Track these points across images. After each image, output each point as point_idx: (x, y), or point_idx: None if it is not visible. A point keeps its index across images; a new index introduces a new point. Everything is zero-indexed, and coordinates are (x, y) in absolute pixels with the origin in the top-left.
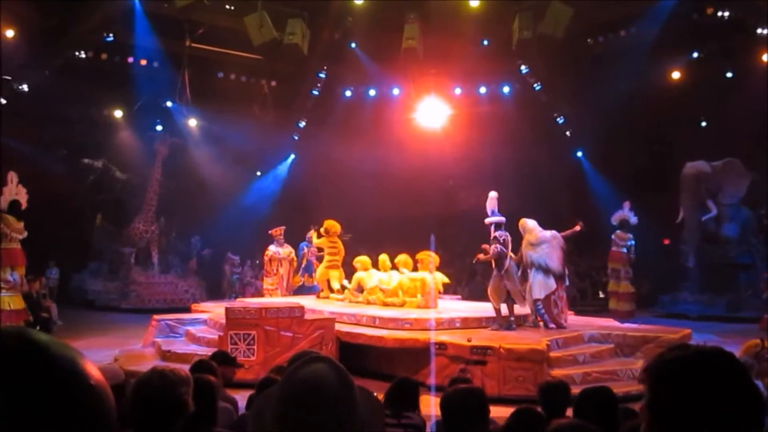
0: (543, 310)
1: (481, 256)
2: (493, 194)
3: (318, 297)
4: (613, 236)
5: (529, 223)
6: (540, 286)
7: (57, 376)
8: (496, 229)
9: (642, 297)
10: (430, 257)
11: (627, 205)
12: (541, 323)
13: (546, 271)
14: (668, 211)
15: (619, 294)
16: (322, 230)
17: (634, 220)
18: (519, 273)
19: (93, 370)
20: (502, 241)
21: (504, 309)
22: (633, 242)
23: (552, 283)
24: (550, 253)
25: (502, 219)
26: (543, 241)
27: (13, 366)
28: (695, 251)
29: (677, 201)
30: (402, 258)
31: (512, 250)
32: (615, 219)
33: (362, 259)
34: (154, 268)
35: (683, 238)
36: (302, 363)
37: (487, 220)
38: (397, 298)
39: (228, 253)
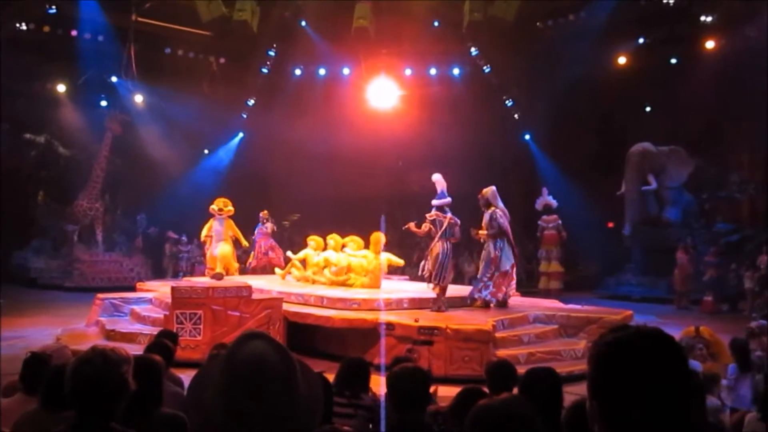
0: (492, 287)
1: (412, 225)
2: (436, 177)
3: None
4: (539, 221)
5: (495, 192)
6: (507, 257)
7: None
8: (438, 210)
9: (588, 279)
10: (380, 238)
11: (546, 191)
12: (491, 299)
13: (511, 246)
14: (614, 195)
15: (549, 273)
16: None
17: (554, 203)
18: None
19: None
20: (432, 221)
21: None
22: (560, 221)
23: (512, 257)
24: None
25: (447, 200)
26: (508, 217)
27: None
28: (633, 225)
29: (621, 182)
30: (351, 239)
31: (472, 225)
32: (539, 205)
33: (316, 239)
34: (98, 246)
35: (625, 211)
36: (240, 341)
37: (434, 202)
38: (343, 276)
39: (168, 232)
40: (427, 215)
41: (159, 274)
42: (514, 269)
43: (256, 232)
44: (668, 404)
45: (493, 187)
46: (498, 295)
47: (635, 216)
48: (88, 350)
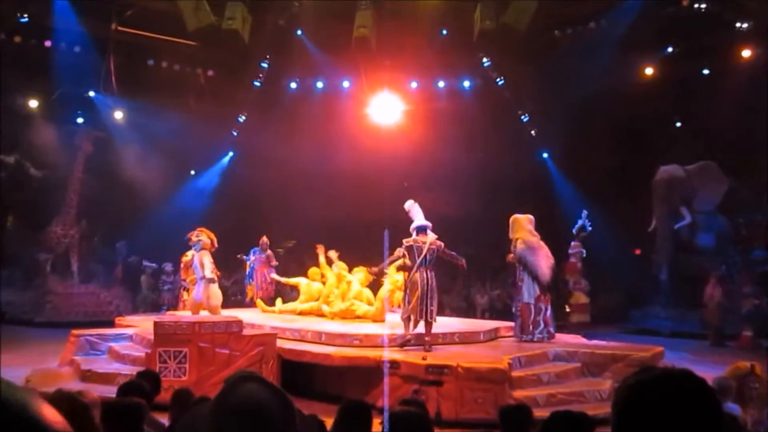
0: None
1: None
2: (408, 204)
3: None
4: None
5: (523, 222)
6: (528, 289)
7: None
8: (419, 233)
9: (612, 311)
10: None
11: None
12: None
13: (533, 277)
14: (640, 219)
15: (571, 305)
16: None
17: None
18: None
19: (52, 415)
20: (408, 247)
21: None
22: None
23: (537, 290)
24: (540, 260)
25: (426, 224)
26: (534, 246)
27: None
28: (668, 263)
29: (649, 207)
30: (359, 270)
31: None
32: (577, 228)
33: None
34: (73, 277)
35: (656, 248)
36: (233, 384)
37: (412, 226)
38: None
39: (144, 261)
40: (404, 241)
41: (141, 307)
42: (542, 303)
43: (253, 259)
44: None
45: (517, 215)
46: (525, 327)
47: (670, 254)
48: (54, 393)
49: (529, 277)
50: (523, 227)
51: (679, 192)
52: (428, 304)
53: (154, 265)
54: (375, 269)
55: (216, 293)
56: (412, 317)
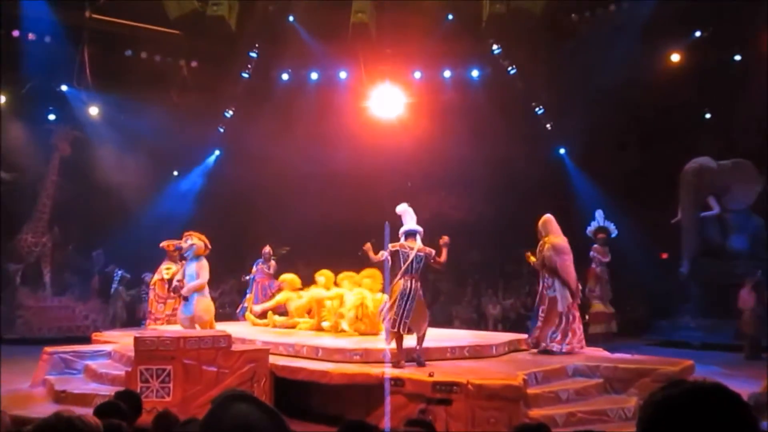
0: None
1: (368, 247)
2: (401, 207)
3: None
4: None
5: (554, 223)
6: (563, 297)
7: None
8: (408, 238)
9: (637, 322)
10: (377, 274)
11: (601, 214)
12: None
13: (564, 283)
14: (666, 220)
15: (590, 314)
16: None
17: (612, 230)
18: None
19: None
20: (393, 252)
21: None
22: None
23: (569, 297)
24: (569, 266)
25: (417, 229)
26: (564, 251)
27: None
28: (692, 257)
29: (676, 207)
30: (346, 276)
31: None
32: (592, 231)
33: (326, 273)
34: (45, 289)
35: (682, 242)
36: (221, 404)
37: (401, 230)
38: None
39: (116, 270)
40: (390, 245)
41: (122, 320)
42: (571, 313)
43: (254, 269)
44: None
45: (547, 215)
46: (542, 338)
47: (694, 249)
48: (51, 416)
49: (560, 283)
50: (554, 229)
51: (710, 182)
52: (403, 315)
53: (125, 273)
54: (368, 252)
55: (210, 306)
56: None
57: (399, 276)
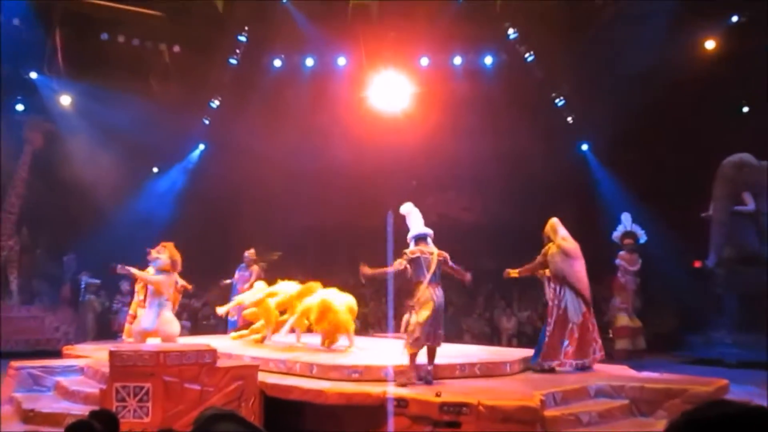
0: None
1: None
2: (406, 208)
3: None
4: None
5: (561, 227)
6: (575, 307)
7: None
8: (419, 242)
9: (666, 337)
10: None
11: (629, 218)
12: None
13: (576, 292)
14: (699, 224)
15: (614, 329)
16: None
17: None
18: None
19: None
20: (412, 259)
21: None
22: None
23: (582, 305)
24: (579, 271)
25: (421, 233)
26: (573, 256)
27: None
28: (719, 251)
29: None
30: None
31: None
32: (618, 237)
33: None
34: (12, 297)
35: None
36: (204, 424)
37: (410, 235)
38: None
39: (82, 277)
40: (407, 251)
41: (95, 333)
42: (590, 321)
43: (237, 275)
44: None
45: (553, 219)
46: (550, 356)
47: (722, 242)
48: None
49: (571, 291)
50: (562, 233)
51: (748, 178)
52: (437, 327)
53: (92, 280)
54: (369, 271)
55: (171, 319)
56: (417, 341)
57: (425, 284)
